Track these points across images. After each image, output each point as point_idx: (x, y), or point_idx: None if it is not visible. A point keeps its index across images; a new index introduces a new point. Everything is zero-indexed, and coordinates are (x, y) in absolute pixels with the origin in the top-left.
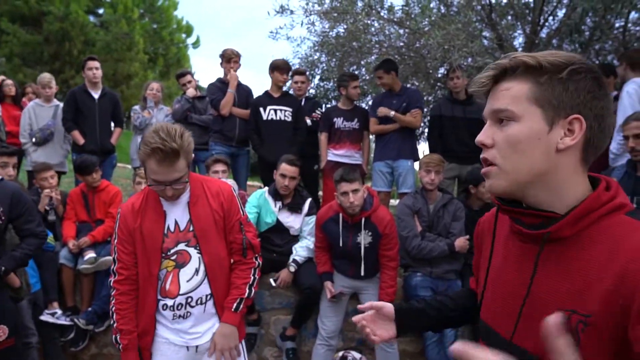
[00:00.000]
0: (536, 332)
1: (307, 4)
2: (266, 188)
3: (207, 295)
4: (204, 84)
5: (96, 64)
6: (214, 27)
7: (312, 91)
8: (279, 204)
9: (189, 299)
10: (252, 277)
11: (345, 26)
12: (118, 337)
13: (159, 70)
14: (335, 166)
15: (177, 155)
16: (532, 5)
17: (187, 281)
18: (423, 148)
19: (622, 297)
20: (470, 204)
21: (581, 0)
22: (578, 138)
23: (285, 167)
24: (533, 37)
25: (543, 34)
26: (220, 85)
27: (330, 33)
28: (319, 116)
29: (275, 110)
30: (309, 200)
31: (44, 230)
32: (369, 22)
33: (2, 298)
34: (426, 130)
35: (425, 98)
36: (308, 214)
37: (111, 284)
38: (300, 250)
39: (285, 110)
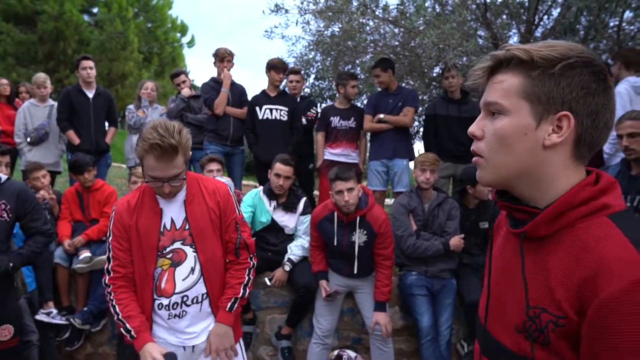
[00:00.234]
0: (512, 330)
1: (302, 3)
2: (261, 187)
3: (203, 295)
4: (199, 83)
5: (90, 63)
6: (209, 27)
7: (307, 90)
8: (273, 203)
9: (185, 298)
10: (247, 277)
11: (340, 25)
12: (127, 324)
13: (154, 69)
14: (332, 165)
15: (176, 151)
16: (526, 4)
17: (183, 280)
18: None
19: (580, 305)
20: (466, 203)
21: None
22: (565, 135)
23: (279, 167)
24: (528, 36)
25: (538, 33)
26: (214, 85)
27: (325, 32)
28: (314, 115)
29: (271, 110)
30: (303, 199)
31: (51, 229)
32: (364, 21)
33: (8, 298)
34: (421, 129)
35: (420, 97)
36: (303, 213)
37: (106, 281)
38: (295, 249)
39: (281, 110)
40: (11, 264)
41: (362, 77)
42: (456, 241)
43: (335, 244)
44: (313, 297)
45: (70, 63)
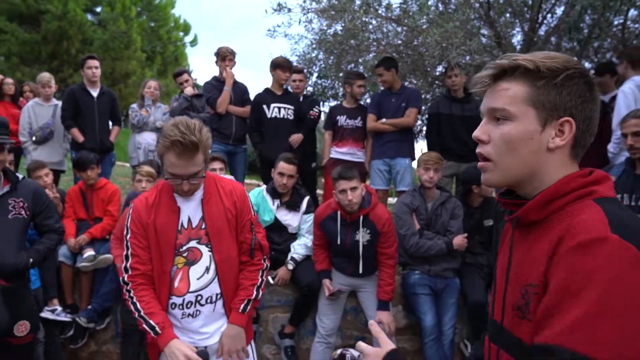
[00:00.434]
0: (508, 307)
1: (304, 1)
2: (264, 186)
3: (217, 295)
4: (202, 82)
5: (96, 63)
6: (212, 26)
7: (309, 89)
8: (277, 202)
9: (199, 297)
10: (260, 279)
11: (343, 24)
12: (150, 320)
13: (157, 68)
14: (337, 164)
15: (197, 148)
16: (530, 2)
17: (197, 279)
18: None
19: (550, 268)
20: (470, 202)
21: None
22: (568, 139)
23: (283, 166)
24: (531, 35)
25: (541, 31)
26: (216, 84)
27: (328, 31)
28: (317, 114)
29: (279, 108)
30: (307, 198)
31: (62, 227)
32: (366, 19)
33: (26, 295)
34: (424, 128)
35: (423, 96)
36: (306, 212)
37: (125, 279)
38: (299, 248)
39: (288, 109)
40: (31, 260)
41: (365, 76)
42: (459, 240)
43: (338, 243)
44: (316, 296)
45: (73, 62)
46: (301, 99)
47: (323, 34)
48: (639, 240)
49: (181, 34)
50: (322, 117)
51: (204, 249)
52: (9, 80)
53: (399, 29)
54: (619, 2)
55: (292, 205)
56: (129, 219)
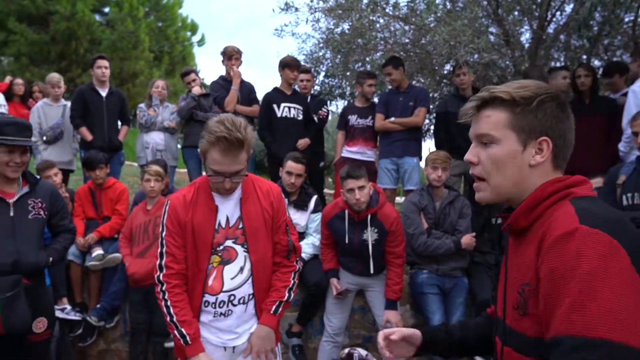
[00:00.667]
0: (508, 307)
1: (311, 1)
2: None
3: (249, 295)
4: (209, 82)
5: (105, 63)
6: (218, 26)
7: (316, 88)
8: (285, 201)
9: (232, 297)
10: (292, 281)
11: (350, 23)
12: (182, 329)
13: (165, 68)
14: (347, 163)
15: (241, 146)
16: (539, 0)
17: (231, 279)
18: (429, 145)
19: (538, 267)
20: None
21: None
22: (546, 156)
23: (291, 165)
24: (540, 33)
25: (550, 29)
26: (223, 83)
27: (335, 30)
28: (325, 114)
29: (289, 108)
30: (314, 197)
31: (75, 227)
32: (374, 18)
33: (43, 292)
34: (432, 127)
35: (430, 95)
36: (314, 211)
37: (160, 278)
38: (306, 247)
39: (297, 108)
40: (51, 259)
41: (376, 74)
42: (468, 239)
43: (346, 242)
44: (324, 295)
45: (82, 62)
46: (309, 98)
47: (330, 33)
48: (607, 225)
49: (189, 33)
50: (330, 116)
51: (239, 249)
52: (19, 80)
53: (407, 28)
54: None
55: (300, 205)
56: (165, 216)
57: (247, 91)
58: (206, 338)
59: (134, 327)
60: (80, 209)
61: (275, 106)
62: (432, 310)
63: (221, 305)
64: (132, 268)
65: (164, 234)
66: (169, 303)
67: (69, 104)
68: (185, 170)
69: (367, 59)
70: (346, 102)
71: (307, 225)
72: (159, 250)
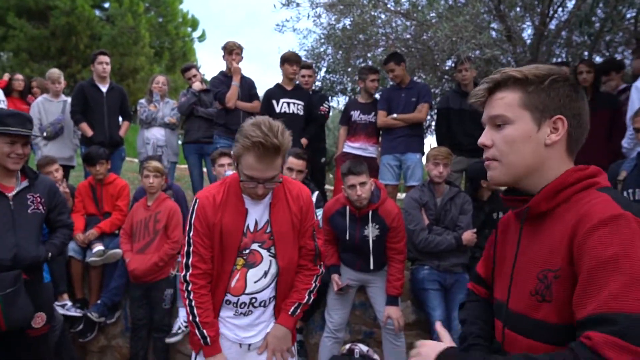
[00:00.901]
0: (519, 293)
1: None
2: None
3: (271, 298)
4: (210, 77)
5: (107, 58)
6: (219, 22)
7: (317, 84)
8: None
9: (253, 300)
10: (314, 284)
11: (351, 18)
12: (204, 331)
13: (165, 64)
14: (348, 158)
15: (278, 152)
16: None
17: (255, 282)
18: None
19: (574, 250)
20: (480, 196)
21: None
22: (562, 134)
23: (292, 161)
24: (542, 29)
25: (552, 25)
26: (224, 79)
27: (337, 25)
28: (327, 110)
29: (289, 104)
30: (315, 193)
31: (73, 223)
32: (375, 14)
33: (41, 287)
34: (433, 123)
35: (432, 91)
36: (315, 207)
37: (186, 278)
38: None
39: (298, 104)
40: (50, 253)
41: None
42: (469, 235)
43: (347, 238)
44: (325, 291)
45: (82, 58)
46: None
47: (332, 29)
48: None
49: (189, 29)
50: (331, 112)
51: (264, 253)
52: (19, 76)
53: (408, 23)
54: None
55: None
56: (194, 215)
57: (247, 87)
58: (222, 333)
59: (134, 323)
60: (80, 205)
61: (274, 102)
62: (433, 307)
63: (242, 306)
64: (132, 264)
65: (191, 233)
66: (193, 303)
67: (69, 99)
68: (186, 166)
69: (369, 54)
70: (347, 98)
71: None
72: (186, 249)
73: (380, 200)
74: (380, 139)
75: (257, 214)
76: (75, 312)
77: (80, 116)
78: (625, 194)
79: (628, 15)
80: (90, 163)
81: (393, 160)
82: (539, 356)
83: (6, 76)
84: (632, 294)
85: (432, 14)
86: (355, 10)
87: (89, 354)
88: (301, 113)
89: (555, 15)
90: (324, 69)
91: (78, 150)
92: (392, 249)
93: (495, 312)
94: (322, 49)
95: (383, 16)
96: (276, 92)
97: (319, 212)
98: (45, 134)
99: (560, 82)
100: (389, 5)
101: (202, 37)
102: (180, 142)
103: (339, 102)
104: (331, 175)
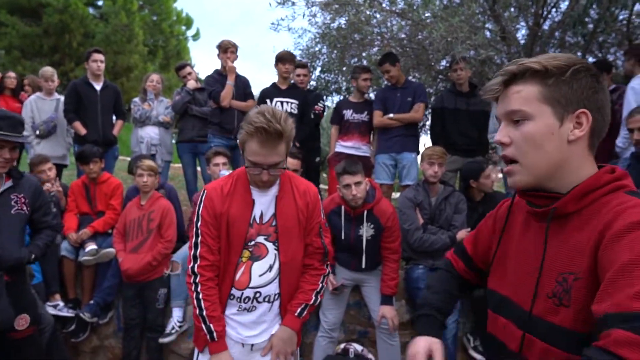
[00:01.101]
0: (544, 298)
1: None
2: None
3: (275, 295)
4: (204, 76)
5: (101, 57)
6: (213, 20)
7: (312, 83)
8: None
9: (257, 294)
10: (320, 285)
11: (346, 18)
12: (211, 325)
13: (159, 62)
14: (341, 158)
15: (280, 137)
16: None
17: (260, 276)
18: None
19: (599, 254)
20: (472, 197)
21: None
22: (586, 130)
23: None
24: (536, 29)
25: (546, 26)
26: (218, 77)
27: (332, 25)
28: (322, 109)
29: (282, 103)
30: None
31: (59, 223)
32: (370, 13)
33: (25, 289)
34: (428, 122)
35: (427, 90)
36: None
37: (195, 269)
38: None
39: (292, 103)
40: (33, 255)
41: (371, 69)
42: (463, 235)
43: (342, 237)
44: None
45: (75, 56)
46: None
47: (327, 28)
48: None
49: (183, 27)
50: (326, 112)
51: (270, 247)
52: (11, 74)
53: (403, 23)
54: None
55: None
56: (201, 206)
57: (242, 86)
58: (226, 332)
59: (127, 323)
60: (73, 204)
61: (268, 101)
62: None
63: (246, 300)
64: (125, 263)
65: (199, 223)
66: (200, 296)
67: (62, 98)
68: (180, 165)
69: (364, 54)
70: (342, 97)
71: None
72: (194, 240)
73: (375, 200)
74: (372, 138)
75: (263, 206)
76: (67, 313)
77: (73, 115)
78: None
79: (620, 17)
80: (84, 162)
81: (389, 160)
82: None
83: None
84: None
85: (428, 14)
86: (351, 9)
87: (81, 354)
88: (295, 112)
89: (549, 16)
90: (319, 68)
91: (71, 148)
92: (387, 249)
93: (489, 303)
94: (317, 48)
95: (378, 16)
96: (270, 91)
97: None
98: (38, 132)
99: (583, 73)
100: (384, 5)
101: (196, 36)
102: (174, 140)
103: (333, 102)
104: (325, 175)
